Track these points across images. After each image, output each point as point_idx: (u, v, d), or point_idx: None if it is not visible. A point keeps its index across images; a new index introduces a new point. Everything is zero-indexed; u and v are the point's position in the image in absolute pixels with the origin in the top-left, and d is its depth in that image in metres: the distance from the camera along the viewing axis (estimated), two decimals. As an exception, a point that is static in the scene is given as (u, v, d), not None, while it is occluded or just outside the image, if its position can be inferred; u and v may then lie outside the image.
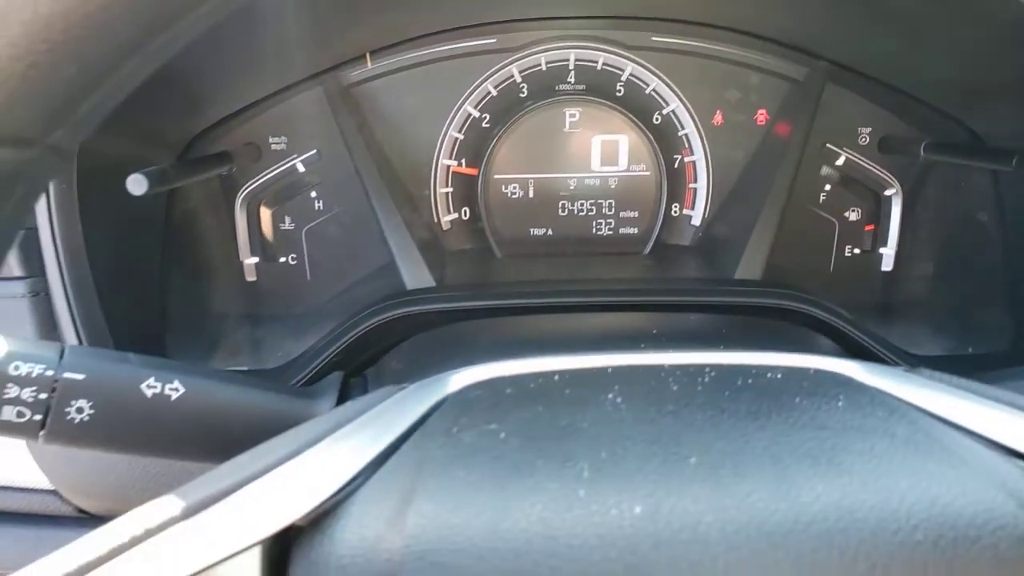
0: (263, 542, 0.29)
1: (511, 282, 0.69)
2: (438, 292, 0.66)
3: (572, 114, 0.77)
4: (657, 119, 0.79)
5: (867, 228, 0.82)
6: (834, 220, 0.81)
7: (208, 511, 0.30)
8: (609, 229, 0.80)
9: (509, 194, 0.79)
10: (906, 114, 0.76)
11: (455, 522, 0.29)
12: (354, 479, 0.32)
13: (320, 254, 0.80)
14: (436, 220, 0.80)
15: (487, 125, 0.78)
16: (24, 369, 0.42)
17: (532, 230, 0.79)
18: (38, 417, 0.43)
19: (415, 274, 0.68)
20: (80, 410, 0.43)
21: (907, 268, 0.81)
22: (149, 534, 0.30)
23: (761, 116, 0.79)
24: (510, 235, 0.80)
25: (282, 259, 0.80)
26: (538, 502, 0.29)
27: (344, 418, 0.36)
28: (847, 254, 0.82)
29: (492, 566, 0.27)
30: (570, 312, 0.62)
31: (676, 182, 0.80)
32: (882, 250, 0.80)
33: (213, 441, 0.49)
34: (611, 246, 0.80)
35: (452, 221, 0.80)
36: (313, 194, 0.79)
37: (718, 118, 0.78)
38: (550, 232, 0.80)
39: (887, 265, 0.81)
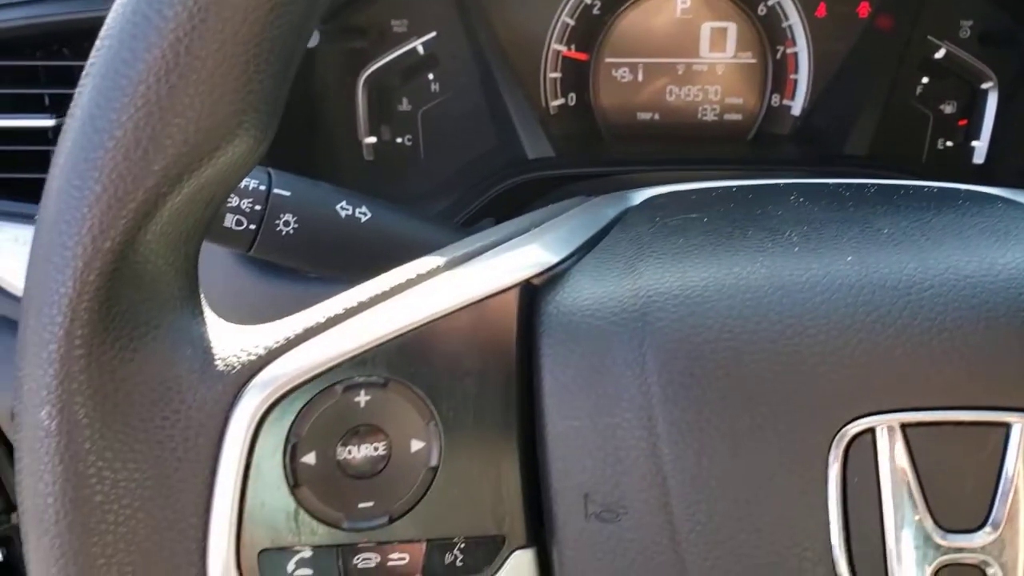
0: (519, 285, 0.34)
1: (628, 156, 0.74)
2: (560, 160, 0.70)
3: (683, 0, 0.80)
4: (762, 10, 0.81)
5: (960, 123, 0.85)
6: (928, 112, 0.84)
7: (465, 265, 0.35)
8: (714, 115, 0.83)
9: (619, 79, 0.82)
10: (1009, 7, 0.78)
11: (684, 273, 0.33)
12: (575, 252, 0.36)
13: (435, 136, 0.84)
14: (544, 105, 0.84)
15: (598, 12, 0.81)
16: (243, 181, 0.47)
17: (639, 114, 0.83)
18: (252, 227, 0.47)
19: (536, 145, 0.72)
20: (287, 223, 0.48)
21: (999, 162, 0.84)
22: (421, 279, 0.34)
23: (863, 8, 0.81)
24: (617, 120, 0.83)
25: (398, 140, 0.84)
26: (758, 257, 0.33)
27: (539, 218, 0.40)
28: (940, 147, 0.85)
29: (728, 310, 0.31)
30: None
31: (779, 72, 0.83)
32: (975, 143, 0.83)
33: (395, 265, 0.54)
34: (715, 132, 0.84)
35: (559, 106, 0.83)
36: (431, 76, 0.83)
37: (821, 10, 0.81)
38: (656, 117, 0.83)
39: (979, 158, 0.84)
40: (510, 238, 0.37)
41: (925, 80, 0.82)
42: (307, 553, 0.32)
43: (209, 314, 0.33)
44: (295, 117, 0.78)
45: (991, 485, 0.30)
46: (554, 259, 0.35)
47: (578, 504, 0.32)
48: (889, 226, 0.35)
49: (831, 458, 0.30)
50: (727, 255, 0.34)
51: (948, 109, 0.84)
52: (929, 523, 0.29)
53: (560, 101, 0.84)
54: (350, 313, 0.33)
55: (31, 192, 0.69)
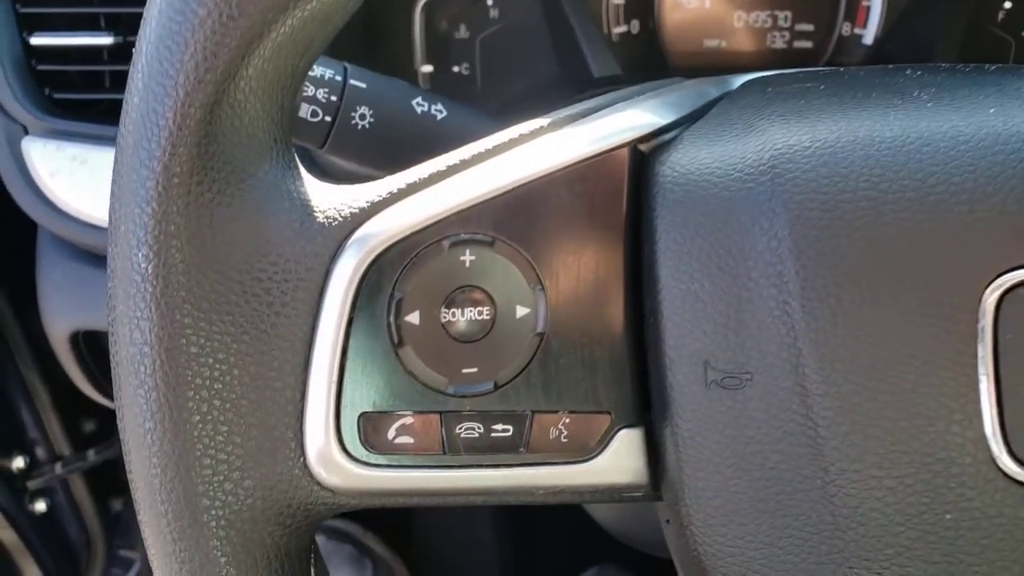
0: (628, 145, 0.32)
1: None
2: (629, 78, 0.68)
3: (753, -78, 0.77)
4: (834, -67, 0.78)
5: (1044, 51, 0.81)
6: (1011, 39, 0.81)
7: (570, 127, 0.33)
8: (784, 42, 0.80)
9: (685, 3, 0.80)
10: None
11: (814, 128, 0.31)
12: (683, 120, 0.34)
13: (493, 64, 0.82)
14: (607, 32, 0.81)
15: (663, -65, 0.79)
16: (318, 71, 0.45)
17: (706, 41, 0.80)
18: (328, 119, 0.46)
19: (603, 63, 0.70)
20: (363, 116, 0.46)
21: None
22: (524, 139, 0.32)
23: (942, -69, 0.78)
24: (683, 47, 0.81)
25: (455, 68, 0.83)
26: (890, 112, 0.31)
27: (637, 91, 0.38)
28: (1020, 77, 0.81)
29: (864, 160, 0.29)
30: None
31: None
32: (1057, 72, 0.80)
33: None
34: (784, 60, 0.81)
35: (622, 34, 0.81)
36: (489, 2, 0.81)
37: (897, -67, 0.78)
38: (724, 44, 0.81)
39: (1061, 88, 0.80)
40: (613, 103, 0.35)
41: (1008, 5, 0.79)
42: (409, 419, 0.31)
43: (304, 172, 0.32)
44: (353, 45, 0.77)
45: None
46: (661, 122, 0.33)
47: (697, 372, 0.30)
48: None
49: (981, 313, 0.27)
50: (855, 111, 0.31)
51: (1031, 37, 0.80)
52: None
53: (623, 28, 0.81)
54: (453, 170, 0.31)
55: (87, 111, 0.68)
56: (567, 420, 0.32)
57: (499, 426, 0.31)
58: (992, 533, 0.28)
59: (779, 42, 0.83)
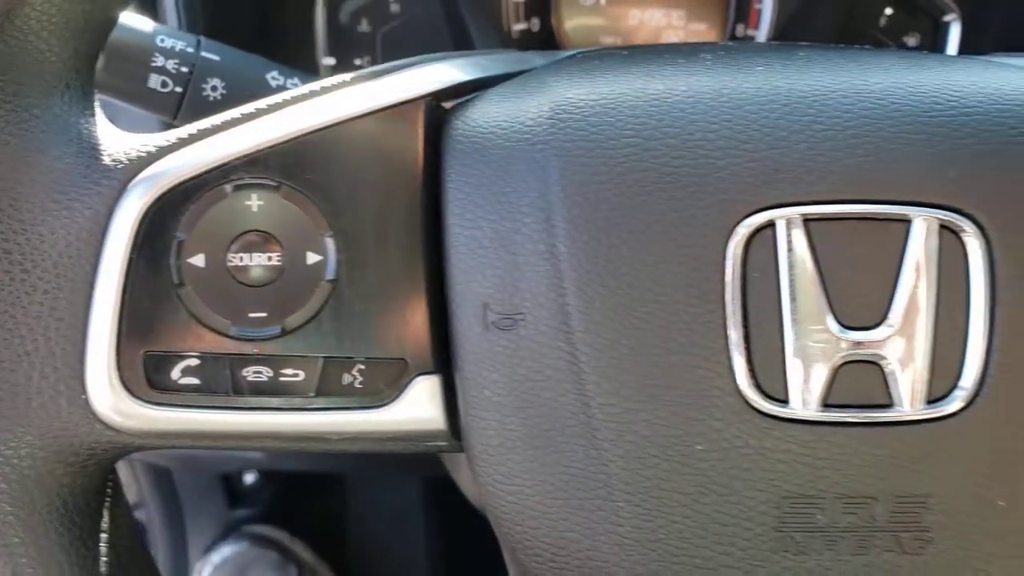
0: (424, 98, 0.33)
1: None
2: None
3: (646, -76, 0.79)
4: (727, -63, 0.81)
5: (925, 56, 0.84)
6: (892, 44, 0.84)
7: (372, 80, 0.34)
8: (678, 40, 0.82)
9: (581, 1, 0.82)
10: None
11: (595, 86, 0.32)
12: (491, 79, 0.35)
13: (394, 58, 0.83)
14: (507, 29, 0.83)
15: (561, -65, 0.81)
16: (169, 42, 0.46)
17: (602, 38, 0.82)
18: (179, 90, 0.46)
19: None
20: (215, 88, 0.47)
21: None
22: (325, 90, 0.33)
23: (828, -63, 0.81)
24: (580, 45, 0.82)
25: (357, 61, 0.84)
26: (670, 71, 0.32)
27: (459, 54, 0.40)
28: (904, 80, 0.84)
29: (632, 110, 0.31)
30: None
31: (742, 1, 0.83)
32: (938, 77, 0.82)
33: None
34: (677, 58, 0.83)
35: (522, 31, 0.83)
36: (391, -4, 0.82)
37: (786, -62, 0.80)
38: (620, 42, 0.83)
39: (942, 91, 0.83)
40: (424, 63, 0.36)
41: (888, 11, 0.82)
42: (194, 361, 0.31)
43: (102, 118, 0.32)
44: (252, 37, 0.78)
45: (891, 281, 0.29)
46: (462, 78, 0.34)
47: (478, 315, 0.31)
48: (808, 52, 0.35)
49: (730, 252, 0.29)
50: (640, 71, 0.33)
51: (911, 42, 0.83)
52: (829, 319, 0.29)
53: (523, 26, 0.83)
54: (247, 118, 0.32)
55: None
56: (362, 367, 0.33)
57: (289, 371, 0.32)
58: (739, 463, 0.29)
59: (674, 40, 0.85)
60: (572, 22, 0.84)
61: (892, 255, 0.29)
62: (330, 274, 0.32)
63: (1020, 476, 0.29)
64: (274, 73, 0.50)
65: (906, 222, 0.29)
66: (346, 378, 0.32)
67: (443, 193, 0.32)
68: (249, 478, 1.11)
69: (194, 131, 0.32)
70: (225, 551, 1.09)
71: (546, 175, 0.30)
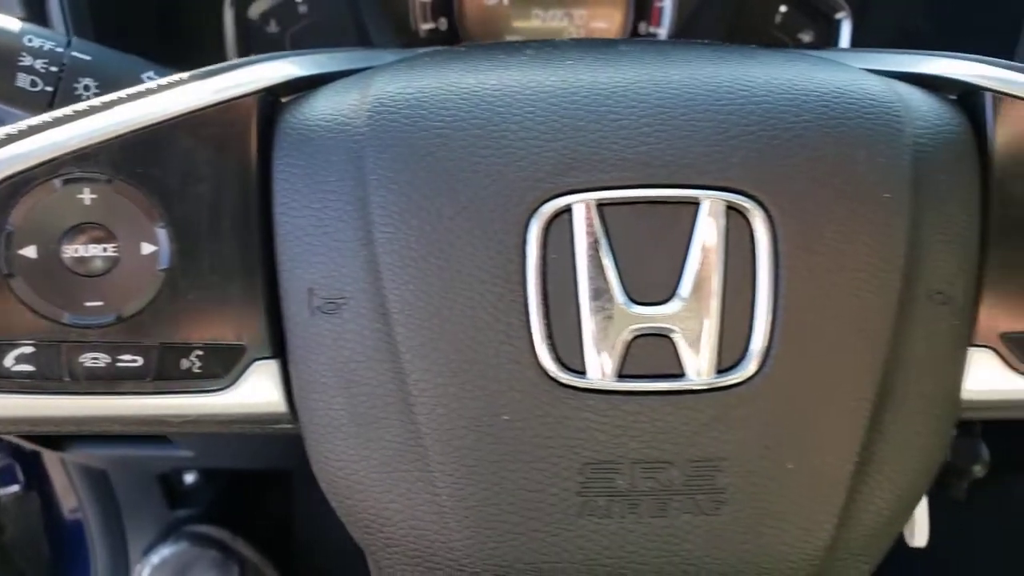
0: (257, 93, 0.34)
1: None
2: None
3: (545, -75, 0.81)
4: (626, -63, 0.83)
5: (820, 52, 0.87)
6: (788, 41, 0.86)
7: (208, 78, 0.35)
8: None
9: (484, 1, 0.83)
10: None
11: (413, 79, 0.34)
12: (331, 75, 0.37)
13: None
14: (414, 28, 0.85)
15: (464, -64, 0.82)
16: (37, 42, 0.47)
17: (506, 37, 0.84)
18: (49, 89, 0.47)
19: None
20: (87, 87, 0.48)
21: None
22: (162, 88, 0.35)
23: (724, -62, 0.83)
24: (485, 42, 0.84)
25: (268, 62, 0.84)
26: (487, 65, 0.34)
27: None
28: (801, 76, 0.87)
29: (443, 101, 0.32)
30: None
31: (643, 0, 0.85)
32: (833, 72, 0.86)
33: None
34: (580, 56, 0.85)
35: (430, 31, 0.84)
36: (298, -2, 0.83)
37: (684, -62, 0.83)
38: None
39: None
40: (264, 60, 0.37)
41: (783, 9, 0.85)
42: (28, 348, 0.32)
43: None
44: (161, 36, 0.79)
45: (681, 260, 0.31)
46: (301, 73, 0.36)
47: (304, 300, 0.33)
48: (628, 48, 0.37)
49: (530, 236, 0.31)
50: (463, 66, 0.35)
51: (806, 38, 0.86)
52: (621, 296, 0.31)
53: (430, 25, 0.85)
54: (80, 115, 0.33)
55: None
56: (200, 352, 0.34)
57: (127, 356, 0.33)
58: (542, 432, 0.31)
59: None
60: (476, 22, 0.86)
61: (682, 235, 0.31)
62: (164, 263, 0.33)
63: (806, 439, 0.31)
64: (150, 73, 0.50)
65: (695, 204, 0.31)
66: (184, 363, 0.34)
67: (272, 182, 0.33)
68: (190, 478, 1.11)
69: (24, 127, 0.33)
70: (164, 552, 1.09)
71: (362, 165, 0.32)
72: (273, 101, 0.35)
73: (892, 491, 0.33)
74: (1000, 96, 0.35)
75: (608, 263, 0.31)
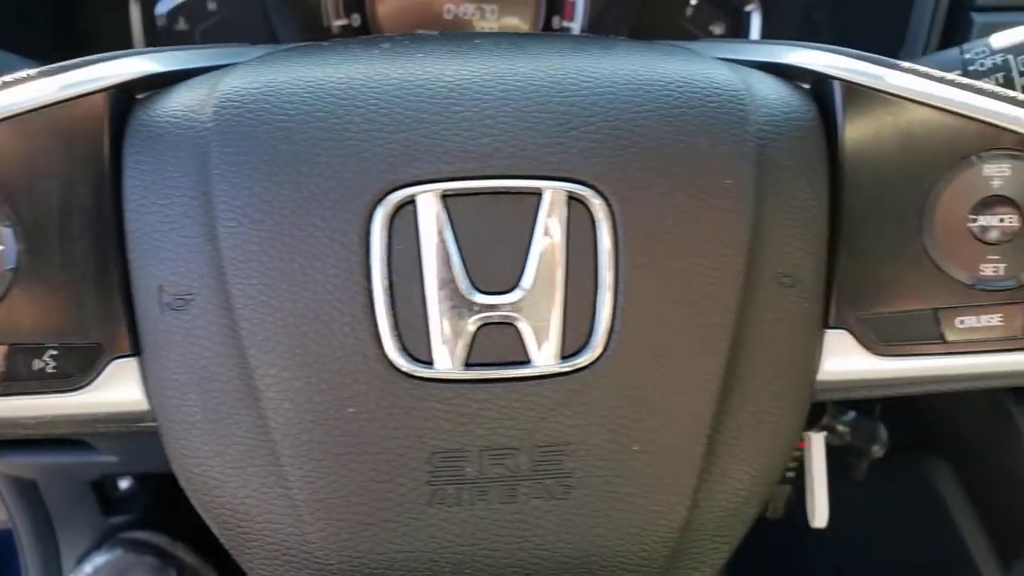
0: (108, 90, 0.34)
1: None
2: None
3: (455, -81, 0.81)
4: (537, -69, 0.84)
5: (732, 44, 0.88)
6: (699, 33, 0.88)
7: (59, 74, 0.35)
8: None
9: (395, -3, 0.83)
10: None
11: (262, 74, 0.33)
12: (192, 71, 0.36)
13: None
14: (326, 25, 0.84)
15: (374, -69, 0.82)
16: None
17: (418, 32, 0.84)
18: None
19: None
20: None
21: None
22: (7, 84, 0.34)
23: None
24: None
25: (177, 60, 0.83)
26: (336, 60, 0.34)
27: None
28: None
29: (289, 96, 0.32)
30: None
31: (556, -7, 0.86)
32: (744, 64, 0.87)
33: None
34: (493, 50, 0.85)
35: (343, 27, 0.84)
36: (206, -6, 0.82)
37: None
38: (435, 35, 0.84)
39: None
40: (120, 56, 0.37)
41: (693, 1, 0.86)
42: None
43: None
44: (58, 34, 0.77)
45: (524, 249, 0.31)
46: (157, 70, 0.35)
47: (154, 296, 0.32)
48: (486, 42, 0.37)
49: (374, 228, 0.31)
50: (314, 60, 0.35)
51: (717, 30, 0.87)
52: (466, 286, 0.31)
53: (343, 21, 0.84)
54: None
55: None
56: (54, 352, 0.33)
57: None
58: (389, 423, 0.31)
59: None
60: (386, 15, 0.86)
61: (525, 225, 0.31)
62: (10, 263, 0.33)
63: (653, 421, 0.32)
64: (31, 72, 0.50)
65: (537, 195, 0.31)
66: (37, 364, 0.33)
67: (123, 179, 0.33)
68: (124, 483, 1.09)
69: None
70: (97, 560, 1.07)
71: (207, 160, 0.32)
72: (128, 98, 0.35)
73: (746, 471, 0.34)
74: (849, 85, 0.36)
75: (453, 253, 0.31)
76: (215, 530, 0.34)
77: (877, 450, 0.66)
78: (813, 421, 0.63)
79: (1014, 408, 0.74)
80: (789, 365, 0.35)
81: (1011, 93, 0.37)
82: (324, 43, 0.38)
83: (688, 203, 0.32)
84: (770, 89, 0.36)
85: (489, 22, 0.86)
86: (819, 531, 0.69)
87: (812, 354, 0.35)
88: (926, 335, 0.36)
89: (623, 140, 0.32)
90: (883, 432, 0.66)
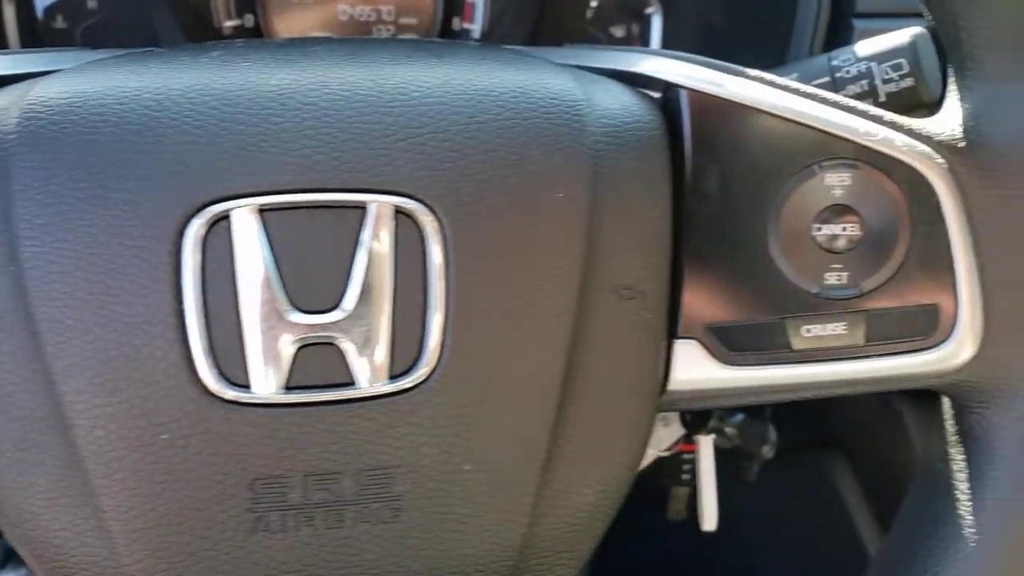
0: None
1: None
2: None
3: (348, -82, 0.80)
4: (434, -69, 0.82)
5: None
6: (601, 35, 0.88)
7: None
8: (390, 35, 0.83)
9: (288, -2, 0.81)
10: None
11: (73, 84, 0.32)
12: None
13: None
14: (218, 26, 0.82)
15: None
16: None
17: (312, 34, 0.82)
18: None
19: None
20: None
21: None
22: None
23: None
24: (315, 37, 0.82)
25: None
26: (159, 67, 0.32)
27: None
28: (615, 70, 0.88)
29: (98, 107, 0.30)
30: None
31: (453, -6, 0.85)
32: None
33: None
34: (390, 52, 0.84)
35: (235, 27, 0.82)
36: (87, -8, 0.79)
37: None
38: (331, 37, 0.83)
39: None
40: None
41: (594, 3, 0.86)
42: None
43: None
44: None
45: (348, 266, 0.30)
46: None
47: None
48: (320, 49, 0.36)
49: (186, 245, 0.29)
50: (136, 67, 0.33)
51: (619, 33, 0.87)
52: (284, 305, 0.30)
53: (235, 22, 0.82)
54: None
55: None
56: None
57: None
58: (205, 449, 0.30)
59: (385, 35, 0.86)
60: (279, 17, 0.83)
61: (348, 241, 0.30)
62: None
63: (483, 440, 0.31)
64: None
65: (361, 208, 0.30)
66: None
67: None
68: None
69: None
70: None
71: (8, 175, 0.30)
72: None
73: (589, 485, 0.34)
74: (695, 93, 0.36)
75: (271, 271, 0.30)
76: (31, 565, 0.32)
77: (767, 451, 0.67)
78: (700, 424, 0.63)
79: (902, 407, 0.76)
80: (631, 378, 0.34)
81: (852, 102, 0.37)
82: (157, 50, 0.37)
83: (521, 217, 0.31)
84: (613, 99, 0.35)
85: (386, 24, 0.84)
86: (726, 530, 0.69)
87: (656, 366, 0.35)
88: (774, 344, 0.36)
89: (453, 152, 0.31)
90: (773, 433, 0.67)
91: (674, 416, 0.63)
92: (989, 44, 0.35)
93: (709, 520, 0.65)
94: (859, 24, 0.69)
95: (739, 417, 0.65)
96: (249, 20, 0.83)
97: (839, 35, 0.69)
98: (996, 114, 0.36)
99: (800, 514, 0.85)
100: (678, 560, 0.89)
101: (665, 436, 0.63)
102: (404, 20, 0.85)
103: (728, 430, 0.64)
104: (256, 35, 0.83)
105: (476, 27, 0.86)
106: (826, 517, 0.84)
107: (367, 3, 0.83)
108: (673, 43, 0.89)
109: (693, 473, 0.67)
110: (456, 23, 0.86)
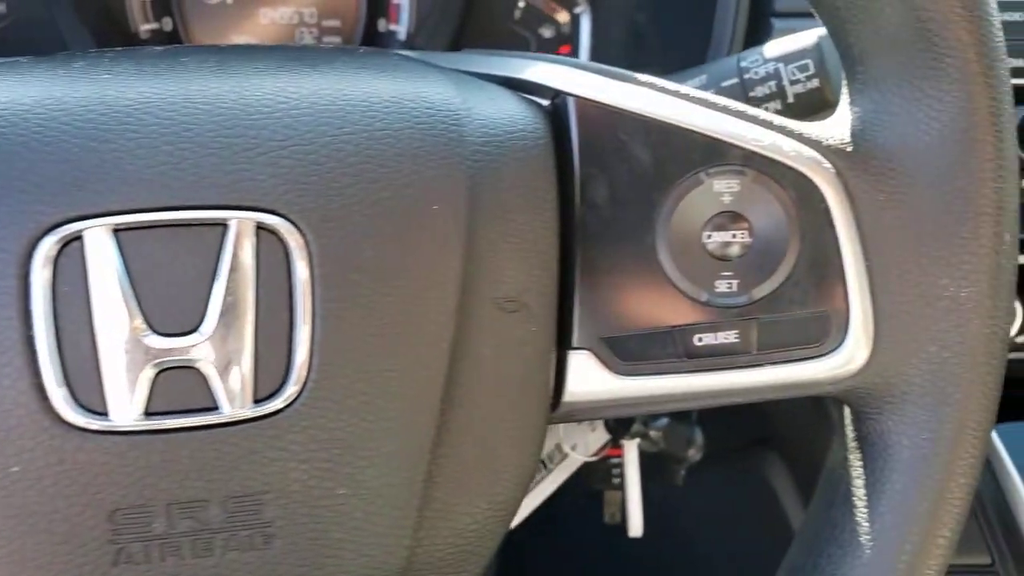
0: None
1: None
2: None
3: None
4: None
5: (562, 49, 0.88)
6: (530, 36, 0.87)
7: None
8: (313, 38, 0.82)
9: (207, 1, 0.79)
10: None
11: None
12: None
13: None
14: (134, 31, 0.80)
15: (181, -70, 0.78)
16: None
17: (233, 38, 0.80)
18: None
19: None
20: None
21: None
22: None
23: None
24: (211, 44, 0.80)
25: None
26: (19, 82, 0.31)
27: None
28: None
29: None
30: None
31: (377, -3, 0.83)
32: (577, 67, 0.87)
33: None
34: (314, 55, 0.82)
35: (152, 31, 0.80)
36: (-7, -5, 0.76)
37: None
38: (253, 41, 0.81)
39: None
40: None
41: (522, 4, 0.85)
42: None
43: None
44: None
45: (208, 286, 0.29)
46: None
47: None
48: (190, 58, 0.34)
49: (34, 268, 0.28)
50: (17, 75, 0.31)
51: (547, 33, 0.87)
52: (143, 328, 0.29)
53: (153, 25, 0.80)
54: None
55: None
56: None
57: None
58: (60, 481, 0.28)
59: (308, 38, 0.85)
60: (199, 21, 0.81)
61: (209, 260, 0.29)
62: None
63: (358, 463, 0.30)
64: None
65: (222, 226, 0.29)
66: None
67: None
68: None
69: None
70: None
71: None
72: None
73: (475, 504, 0.33)
74: (583, 101, 0.35)
75: (127, 293, 0.28)
76: None
77: (693, 454, 0.67)
78: (623, 430, 0.63)
79: (833, 409, 0.77)
80: (517, 392, 0.33)
81: (741, 107, 0.37)
82: (18, 60, 0.35)
83: (393, 231, 0.30)
84: (496, 107, 0.34)
85: (309, 27, 0.82)
86: (662, 529, 0.69)
87: (545, 379, 0.34)
88: (667, 354, 0.36)
89: (318, 166, 0.30)
90: (699, 436, 0.67)
91: (599, 421, 0.63)
92: (875, 48, 0.35)
93: (635, 526, 0.65)
94: (778, 24, 0.69)
95: (663, 421, 0.65)
96: (167, 24, 0.81)
97: (759, 35, 0.69)
98: (883, 118, 0.36)
99: (737, 512, 0.86)
100: (615, 560, 0.89)
101: (592, 441, 0.63)
102: (327, 23, 0.83)
103: (653, 434, 0.64)
104: (174, 40, 0.81)
105: (401, 28, 0.85)
106: (762, 514, 0.84)
107: (288, 6, 0.82)
108: (603, 43, 0.89)
109: (623, 477, 0.67)
110: (381, 24, 0.85)
